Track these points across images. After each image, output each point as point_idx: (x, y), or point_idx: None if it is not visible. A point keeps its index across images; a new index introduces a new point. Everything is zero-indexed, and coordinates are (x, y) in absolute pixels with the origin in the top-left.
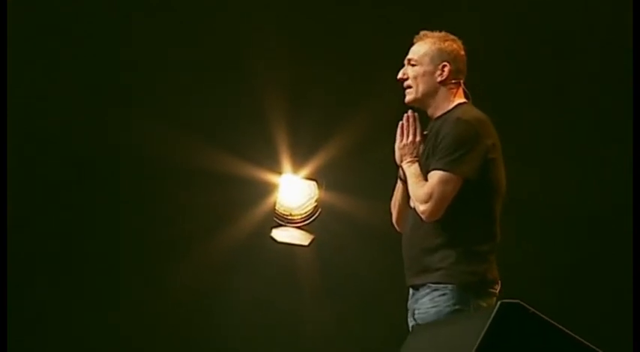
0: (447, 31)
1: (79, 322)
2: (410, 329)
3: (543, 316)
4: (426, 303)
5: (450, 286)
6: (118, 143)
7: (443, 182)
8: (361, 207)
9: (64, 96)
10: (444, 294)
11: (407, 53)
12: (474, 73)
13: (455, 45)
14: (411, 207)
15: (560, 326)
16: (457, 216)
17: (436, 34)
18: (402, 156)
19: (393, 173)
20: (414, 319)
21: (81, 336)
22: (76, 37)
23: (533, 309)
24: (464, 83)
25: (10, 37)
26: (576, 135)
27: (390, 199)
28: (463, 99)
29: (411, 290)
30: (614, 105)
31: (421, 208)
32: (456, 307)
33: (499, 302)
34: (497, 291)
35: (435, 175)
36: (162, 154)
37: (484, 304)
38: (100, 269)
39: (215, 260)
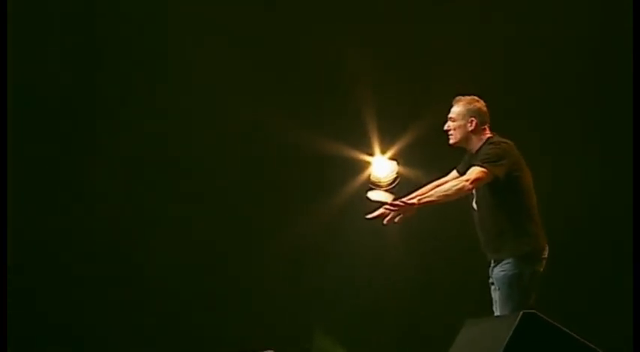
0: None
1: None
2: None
3: (555, 323)
4: (498, 269)
5: (511, 258)
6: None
7: (479, 171)
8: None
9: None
10: (507, 263)
11: (449, 111)
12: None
13: (478, 105)
14: (473, 210)
15: (569, 331)
16: (507, 210)
17: (467, 98)
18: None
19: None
20: (492, 280)
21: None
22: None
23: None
24: (488, 126)
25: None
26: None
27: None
28: (490, 134)
29: (491, 262)
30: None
31: (460, 185)
32: (516, 271)
33: (522, 312)
34: (545, 256)
35: (474, 167)
36: (284, 141)
37: (537, 268)
38: (206, 242)
39: (324, 218)
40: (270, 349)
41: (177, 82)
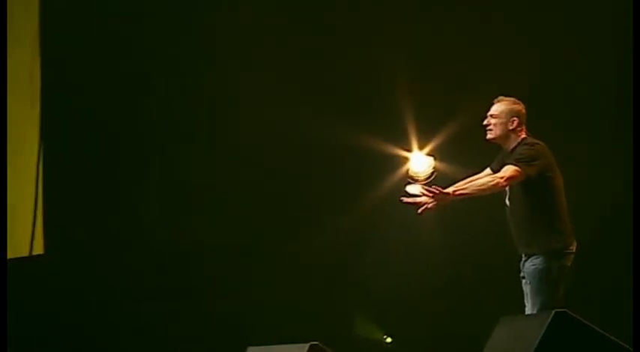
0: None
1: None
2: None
3: (587, 322)
4: (529, 263)
5: (541, 254)
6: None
7: (513, 170)
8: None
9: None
10: (538, 258)
11: (489, 109)
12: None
13: (520, 107)
14: (506, 206)
15: (601, 330)
16: (538, 208)
17: (510, 99)
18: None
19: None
20: (523, 274)
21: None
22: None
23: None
24: (525, 127)
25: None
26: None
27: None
28: (525, 136)
29: (523, 256)
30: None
31: (494, 181)
32: (545, 265)
33: (553, 311)
34: (573, 251)
35: (509, 165)
36: (327, 139)
37: (565, 262)
38: (256, 236)
39: (364, 211)
40: (315, 341)
41: (220, 82)
